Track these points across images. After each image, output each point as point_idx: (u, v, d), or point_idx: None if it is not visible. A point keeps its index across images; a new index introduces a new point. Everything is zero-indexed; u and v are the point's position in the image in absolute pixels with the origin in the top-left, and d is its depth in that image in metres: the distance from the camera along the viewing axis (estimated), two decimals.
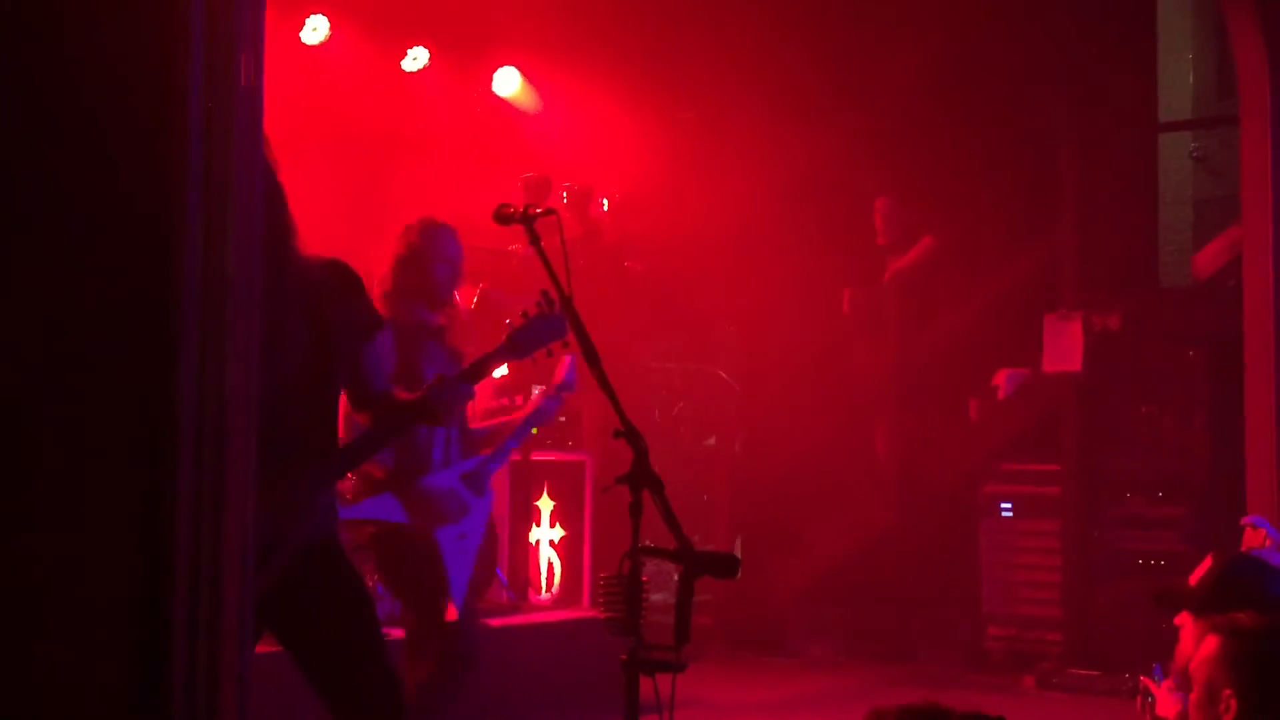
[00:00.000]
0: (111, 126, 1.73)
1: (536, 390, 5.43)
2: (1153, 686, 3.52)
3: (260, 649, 3.09)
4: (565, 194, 8.17)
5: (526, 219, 3.47)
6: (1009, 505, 7.86)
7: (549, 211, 3.51)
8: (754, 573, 8.39)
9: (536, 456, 7.59)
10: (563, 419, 8.01)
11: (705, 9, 8.85)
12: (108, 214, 1.78)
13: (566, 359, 4.85)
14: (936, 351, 8.50)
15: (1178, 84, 9.00)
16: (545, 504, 7.66)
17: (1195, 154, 8.91)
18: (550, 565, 7.63)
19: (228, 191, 1.68)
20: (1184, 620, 3.46)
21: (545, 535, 7.64)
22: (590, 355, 3.26)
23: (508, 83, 8.93)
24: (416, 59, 8.56)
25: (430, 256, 4.86)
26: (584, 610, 7.41)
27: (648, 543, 3.18)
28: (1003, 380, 8.21)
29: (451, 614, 4.64)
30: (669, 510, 3.05)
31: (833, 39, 8.88)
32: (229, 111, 1.70)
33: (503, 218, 3.53)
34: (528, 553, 7.49)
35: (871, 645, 8.24)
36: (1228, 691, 2.82)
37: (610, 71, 8.72)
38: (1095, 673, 7.36)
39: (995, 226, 8.46)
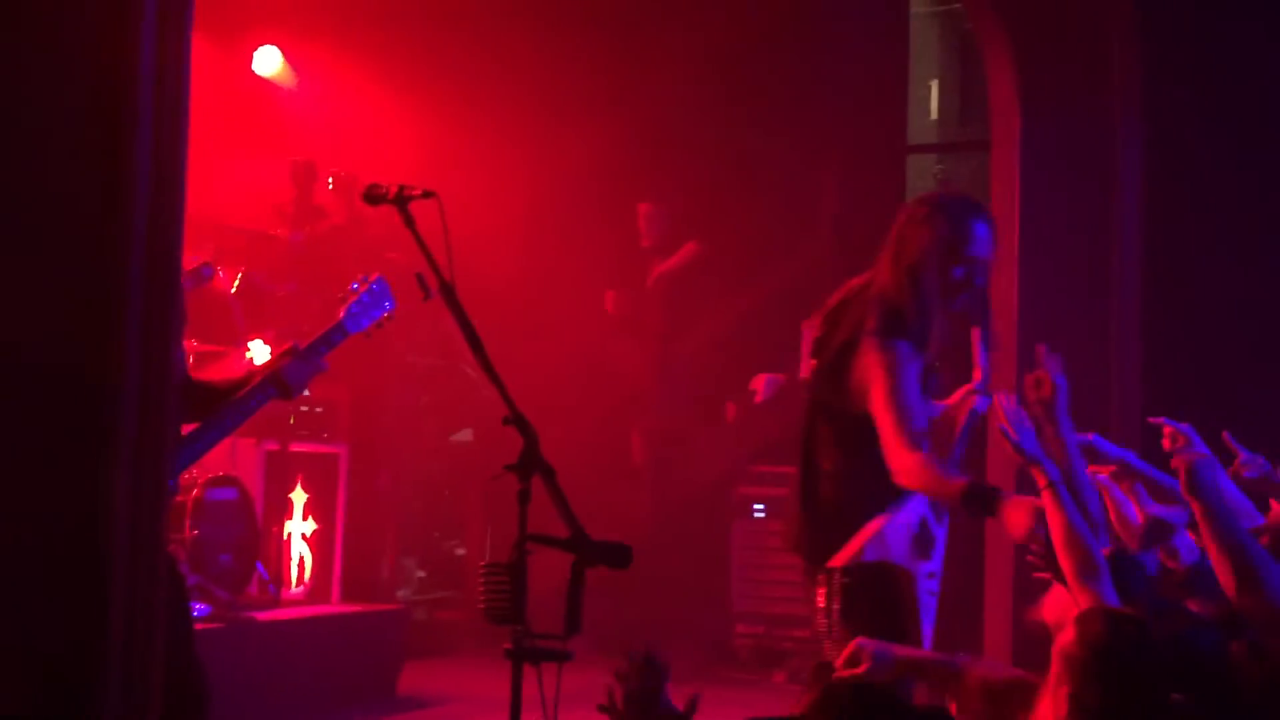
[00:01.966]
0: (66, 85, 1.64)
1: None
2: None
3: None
4: (331, 180, 8.00)
5: (401, 200, 3.39)
6: (761, 506, 8.09)
7: (429, 194, 3.44)
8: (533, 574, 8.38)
9: (293, 448, 7.42)
10: (319, 409, 7.84)
11: (474, 2, 8.80)
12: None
13: (975, 341, 4.06)
14: (697, 355, 8.67)
15: (922, 109, 9.49)
16: (299, 496, 7.50)
17: (939, 175, 9.41)
18: (301, 559, 7.47)
19: (174, 164, 1.61)
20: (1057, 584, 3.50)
21: (298, 528, 7.48)
22: (473, 342, 3.22)
23: (268, 62, 8.68)
24: None
25: (956, 252, 3.89)
26: (335, 605, 7.29)
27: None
28: (761, 385, 8.44)
29: None
30: (562, 498, 3.04)
31: (603, 41, 8.96)
32: (179, 67, 1.63)
33: (373, 198, 3.43)
34: (281, 546, 7.32)
35: (622, 641, 8.31)
36: (1065, 690, 2.88)
37: (376, 57, 8.58)
38: None
39: (757, 235, 8.70)
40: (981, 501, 3.62)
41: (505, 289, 8.98)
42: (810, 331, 8.09)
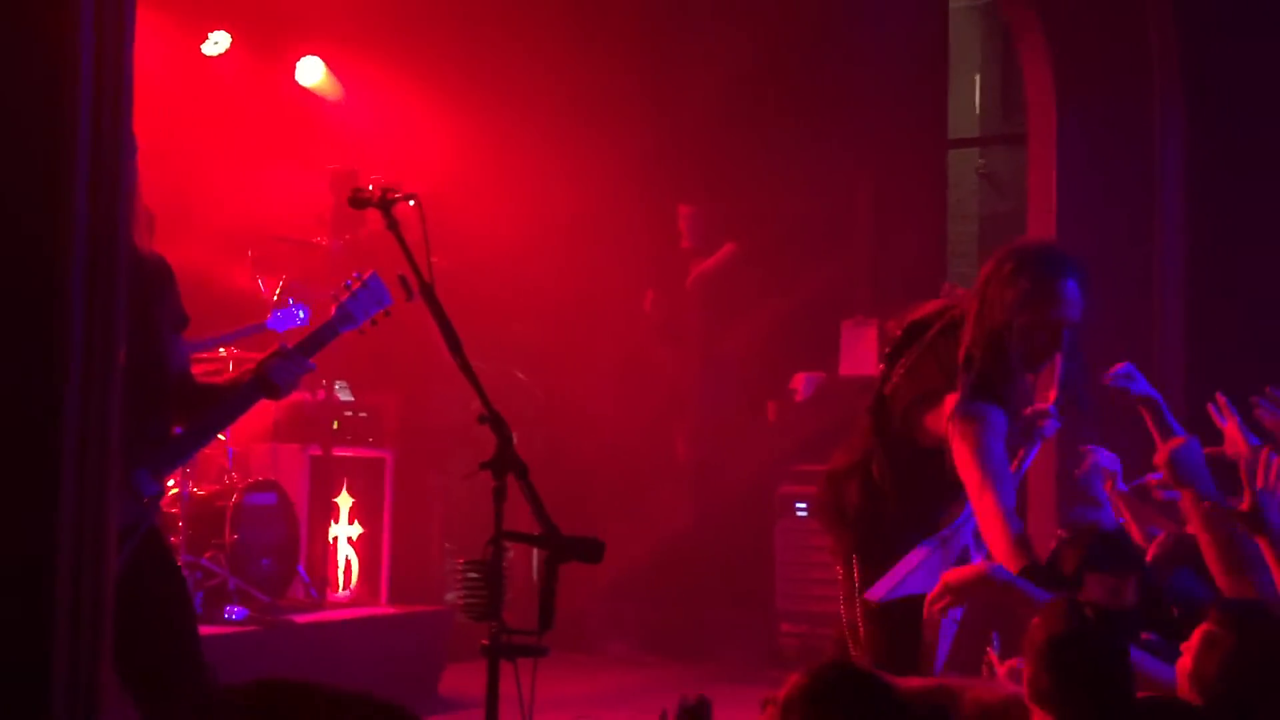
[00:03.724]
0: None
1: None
2: (995, 661, 3.62)
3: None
4: (371, 188, 8.06)
5: (384, 204, 3.44)
6: (804, 505, 8.06)
7: (409, 196, 3.48)
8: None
9: (338, 452, 7.50)
10: (364, 414, 7.92)
11: (512, 9, 8.85)
12: None
13: (1057, 363, 3.89)
14: (737, 355, 8.67)
15: (965, 103, 9.44)
16: (344, 500, 7.58)
17: (981, 170, 9.36)
18: (348, 562, 7.56)
19: (117, 160, 1.64)
20: None
21: (344, 532, 7.56)
22: (452, 342, 3.26)
23: (311, 72, 8.78)
24: (218, 43, 8.34)
25: (1041, 316, 3.70)
26: (383, 607, 7.36)
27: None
28: (801, 384, 8.44)
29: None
30: (535, 496, 3.07)
31: (640, 43, 8.99)
32: (119, 73, 1.66)
33: (358, 202, 3.49)
34: (326, 550, 7.40)
35: (668, 642, 8.37)
36: (1026, 672, 2.89)
37: (414, 65, 8.64)
38: None
39: (795, 235, 8.69)
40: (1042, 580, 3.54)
41: (547, 292, 9.04)
42: (846, 330, 8.08)
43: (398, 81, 8.66)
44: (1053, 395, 3.98)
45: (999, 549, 3.61)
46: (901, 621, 3.81)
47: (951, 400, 3.77)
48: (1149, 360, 6.87)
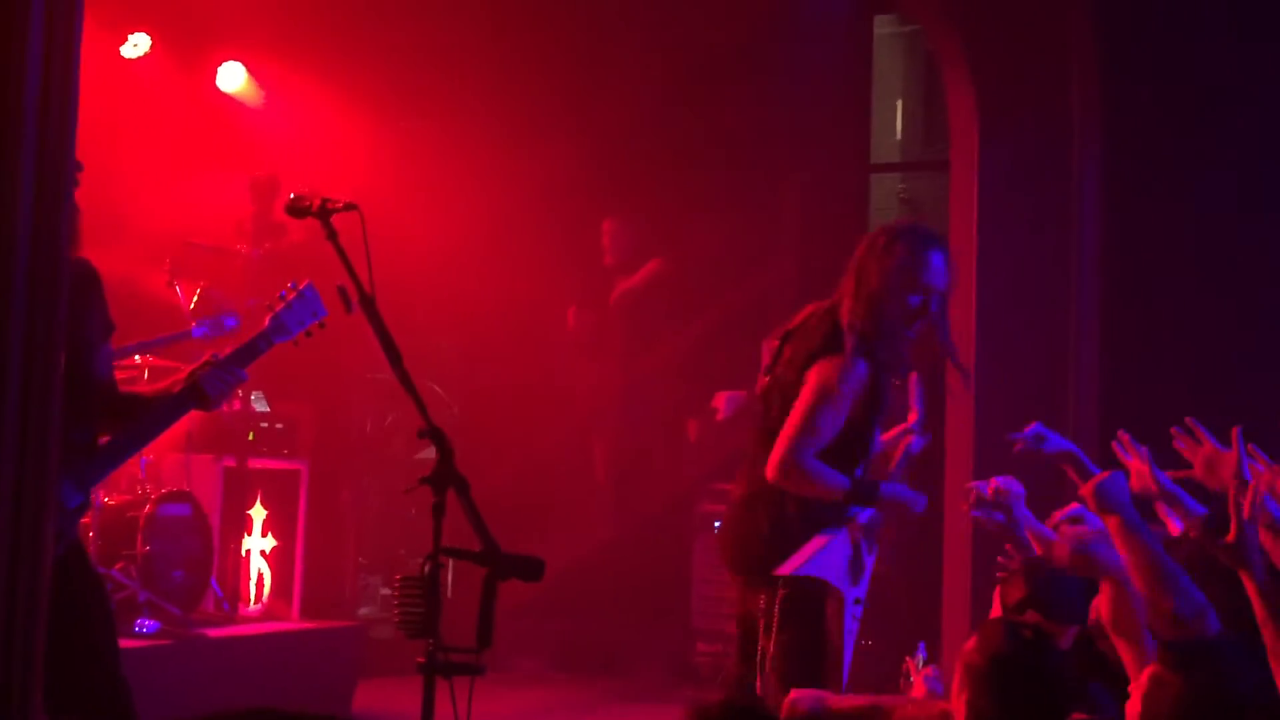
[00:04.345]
0: None
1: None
2: (913, 669, 3.65)
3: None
4: (294, 196, 7.97)
5: (323, 213, 3.40)
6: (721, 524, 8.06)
7: (350, 206, 3.45)
8: (465, 588, 8.36)
9: (252, 464, 7.39)
10: (280, 425, 7.82)
11: (436, 21, 8.81)
12: None
13: (912, 385, 4.24)
14: (658, 372, 8.68)
15: (886, 128, 9.55)
16: (258, 513, 7.47)
17: (903, 195, 9.48)
18: (260, 575, 7.45)
19: (62, 166, 1.59)
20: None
21: (256, 545, 7.45)
22: (391, 354, 3.22)
23: (232, 78, 8.67)
24: (137, 45, 8.20)
25: (914, 280, 4.04)
26: (295, 622, 7.26)
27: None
28: (721, 403, 8.45)
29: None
30: (475, 511, 3.04)
31: (563, 59, 8.98)
32: (67, 60, 1.62)
33: (296, 210, 3.45)
34: (239, 563, 7.29)
35: (582, 659, 8.33)
36: (964, 696, 2.90)
37: (336, 74, 8.57)
38: None
39: (718, 254, 8.72)
40: (863, 495, 3.96)
41: (466, 305, 8.99)
42: (767, 350, 8.12)
43: (319, 90, 8.58)
44: (913, 416, 4.31)
45: (786, 466, 3.98)
46: (811, 617, 3.97)
47: (816, 370, 4.04)
48: (1064, 381, 6.98)
